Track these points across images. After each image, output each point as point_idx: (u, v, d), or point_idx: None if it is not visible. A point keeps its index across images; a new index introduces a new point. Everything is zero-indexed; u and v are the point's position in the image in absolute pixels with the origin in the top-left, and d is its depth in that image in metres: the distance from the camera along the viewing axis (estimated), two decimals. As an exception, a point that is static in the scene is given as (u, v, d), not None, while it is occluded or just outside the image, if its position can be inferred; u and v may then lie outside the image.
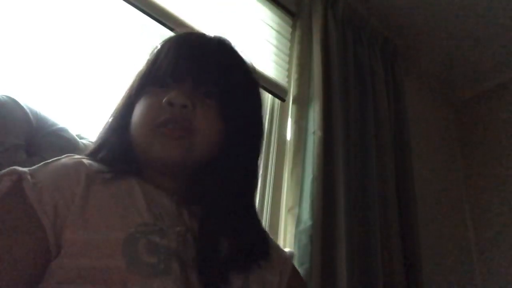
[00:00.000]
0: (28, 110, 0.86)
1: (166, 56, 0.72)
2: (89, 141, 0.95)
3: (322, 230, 1.35)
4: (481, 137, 2.48)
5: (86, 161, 0.66)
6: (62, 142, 0.89)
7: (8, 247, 0.55)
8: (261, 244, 0.74)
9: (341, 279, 1.31)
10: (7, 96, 0.84)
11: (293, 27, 1.84)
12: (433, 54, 2.38)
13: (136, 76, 0.76)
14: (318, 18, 1.74)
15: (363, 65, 1.84)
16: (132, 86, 0.75)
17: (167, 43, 0.75)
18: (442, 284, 2.00)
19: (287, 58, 1.76)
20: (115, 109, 0.76)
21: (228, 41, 0.79)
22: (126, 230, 0.59)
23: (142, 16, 1.34)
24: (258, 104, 0.81)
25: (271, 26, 1.73)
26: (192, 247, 0.63)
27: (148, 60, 0.75)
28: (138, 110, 0.71)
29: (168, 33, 1.37)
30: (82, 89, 1.20)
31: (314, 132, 1.52)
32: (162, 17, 1.36)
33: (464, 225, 2.35)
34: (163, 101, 0.68)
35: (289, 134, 1.65)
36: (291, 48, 1.79)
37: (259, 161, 0.79)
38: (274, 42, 1.73)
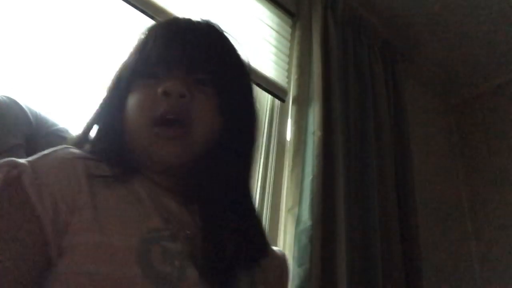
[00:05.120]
0: (28, 111, 0.86)
1: (154, 44, 0.67)
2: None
3: (322, 230, 1.35)
4: (481, 138, 2.48)
5: (83, 158, 0.62)
6: (62, 143, 0.88)
7: (4, 243, 0.52)
8: (262, 240, 0.71)
9: (341, 279, 1.31)
10: (6, 97, 0.84)
11: (293, 27, 1.84)
12: (433, 54, 2.38)
13: (122, 68, 0.70)
14: (318, 18, 1.74)
15: (363, 65, 1.84)
16: (119, 79, 0.69)
17: (153, 31, 0.70)
18: (442, 284, 1.99)
19: (286, 59, 1.76)
20: (104, 102, 0.70)
21: (217, 24, 0.75)
22: (139, 235, 0.56)
23: (141, 16, 1.34)
24: (251, 88, 0.77)
25: (270, 26, 1.73)
26: (199, 247, 0.61)
27: (134, 50, 0.70)
28: (131, 104, 0.65)
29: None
30: (82, 89, 1.20)
31: (314, 133, 1.52)
32: (160, 16, 1.36)
33: (464, 225, 2.35)
34: (158, 91, 0.63)
35: (289, 135, 1.65)
36: (290, 49, 1.79)
37: (255, 149, 0.75)
38: (274, 42, 1.73)
